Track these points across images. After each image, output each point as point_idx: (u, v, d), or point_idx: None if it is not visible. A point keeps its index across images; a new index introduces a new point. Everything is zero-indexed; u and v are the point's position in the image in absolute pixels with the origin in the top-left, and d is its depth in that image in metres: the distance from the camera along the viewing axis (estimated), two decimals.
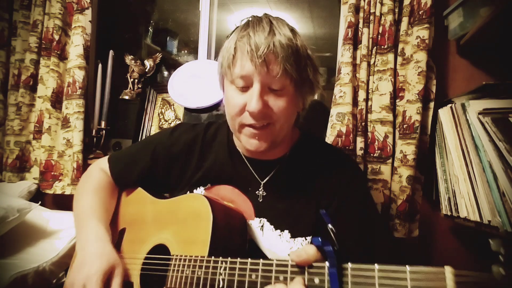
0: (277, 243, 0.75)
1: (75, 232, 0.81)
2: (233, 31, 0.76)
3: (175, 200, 0.80)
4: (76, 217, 0.84)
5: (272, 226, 0.77)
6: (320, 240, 0.48)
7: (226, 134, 0.89)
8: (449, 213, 1.02)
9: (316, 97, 1.74)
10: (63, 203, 1.60)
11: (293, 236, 0.75)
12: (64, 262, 1.24)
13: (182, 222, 0.73)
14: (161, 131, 0.99)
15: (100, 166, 0.95)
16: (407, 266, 0.41)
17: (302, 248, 0.51)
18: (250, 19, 0.74)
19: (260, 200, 0.80)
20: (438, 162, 1.11)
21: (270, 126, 0.73)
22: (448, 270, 0.38)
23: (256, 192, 0.81)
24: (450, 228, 1.25)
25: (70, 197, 1.51)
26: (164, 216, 0.79)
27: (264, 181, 0.82)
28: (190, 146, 0.89)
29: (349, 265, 0.45)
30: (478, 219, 0.87)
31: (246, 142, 0.75)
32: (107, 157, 0.96)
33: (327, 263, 0.47)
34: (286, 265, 0.51)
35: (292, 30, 0.74)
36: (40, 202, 1.37)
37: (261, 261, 0.54)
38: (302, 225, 0.76)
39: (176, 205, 0.79)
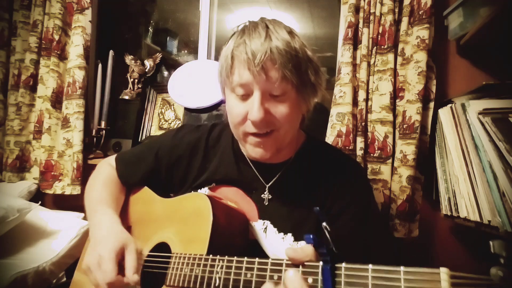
0: (280, 246, 0.75)
1: (88, 220, 0.83)
2: (230, 37, 0.73)
3: (179, 199, 0.81)
4: (88, 207, 0.86)
5: (276, 229, 0.77)
6: (312, 237, 0.47)
7: (231, 136, 0.86)
8: (449, 213, 1.02)
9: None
10: (63, 203, 1.60)
11: (296, 239, 0.75)
12: (64, 262, 1.24)
13: (184, 220, 0.74)
14: (165, 132, 0.98)
15: (109, 162, 0.97)
16: (401, 266, 0.40)
17: (301, 246, 0.50)
18: (246, 24, 0.72)
19: (266, 204, 0.80)
20: (438, 162, 1.11)
21: (274, 132, 0.71)
22: (443, 271, 0.36)
23: (262, 196, 0.81)
24: (450, 228, 1.25)
25: (70, 197, 1.52)
26: (168, 214, 0.80)
27: (270, 184, 0.81)
28: (194, 147, 0.88)
29: (343, 264, 0.45)
30: (478, 219, 0.87)
31: (251, 150, 0.74)
32: (115, 155, 0.98)
33: (321, 262, 0.47)
34: (281, 264, 0.51)
35: (290, 32, 0.71)
36: (40, 202, 1.37)
37: (257, 260, 0.54)
38: (305, 229, 0.76)
39: (179, 204, 0.80)
